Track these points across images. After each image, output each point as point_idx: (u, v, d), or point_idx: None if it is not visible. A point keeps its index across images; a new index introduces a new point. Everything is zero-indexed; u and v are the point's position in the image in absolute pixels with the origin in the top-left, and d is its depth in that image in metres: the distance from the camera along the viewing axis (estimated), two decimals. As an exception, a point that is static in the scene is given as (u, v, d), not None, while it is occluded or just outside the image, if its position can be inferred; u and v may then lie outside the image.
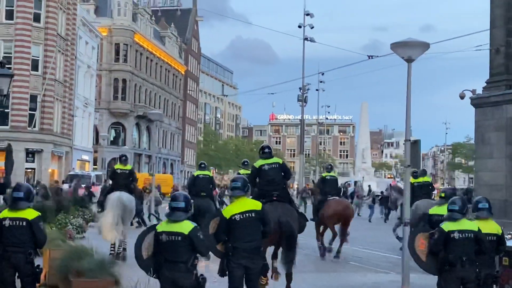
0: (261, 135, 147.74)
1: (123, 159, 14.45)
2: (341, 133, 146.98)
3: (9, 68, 41.25)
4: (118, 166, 14.32)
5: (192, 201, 6.66)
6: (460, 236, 7.00)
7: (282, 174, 10.03)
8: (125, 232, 13.64)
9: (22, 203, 7.13)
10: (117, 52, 62.16)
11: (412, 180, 15.97)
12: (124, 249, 13.43)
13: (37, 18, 41.65)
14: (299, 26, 47.61)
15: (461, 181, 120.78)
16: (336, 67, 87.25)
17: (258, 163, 10.11)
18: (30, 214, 7.12)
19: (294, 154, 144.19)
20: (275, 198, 9.67)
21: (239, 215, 6.93)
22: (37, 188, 33.33)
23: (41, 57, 41.93)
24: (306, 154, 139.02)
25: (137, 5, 68.21)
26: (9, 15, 40.94)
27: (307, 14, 47.43)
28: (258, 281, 7.40)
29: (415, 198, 15.29)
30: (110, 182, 15.10)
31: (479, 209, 7.45)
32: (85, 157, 52.62)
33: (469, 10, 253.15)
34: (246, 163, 16.17)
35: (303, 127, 48.69)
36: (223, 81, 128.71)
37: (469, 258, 6.97)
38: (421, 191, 16.27)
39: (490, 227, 7.33)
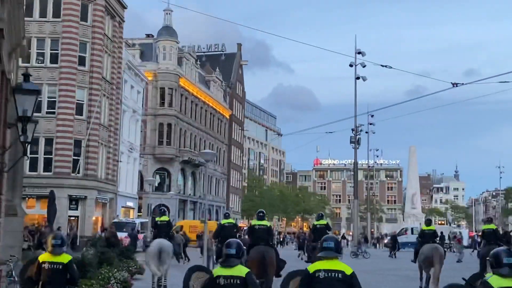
0: (305, 180, 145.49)
1: (161, 211, 18.71)
2: (388, 178, 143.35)
3: (53, 112, 40.51)
4: (158, 218, 17.79)
5: (244, 248, 6.99)
6: None
7: (267, 233, 13.94)
8: (165, 270, 16.26)
9: (60, 249, 8.37)
10: (162, 97, 61.26)
11: (483, 226, 18.68)
12: (165, 286, 16.51)
13: (82, 61, 40.82)
14: (351, 65, 45.97)
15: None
16: (383, 107, 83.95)
17: (253, 222, 14.58)
18: (65, 258, 8.37)
19: (340, 200, 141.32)
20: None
21: (324, 273, 6.33)
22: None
23: (86, 101, 40.91)
24: (350, 200, 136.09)
25: (182, 50, 67.67)
26: (54, 58, 40.18)
27: (359, 53, 45.71)
28: None
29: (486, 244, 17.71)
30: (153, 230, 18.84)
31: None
32: (130, 203, 51.05)
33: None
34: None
35: (357, 171, 46.23)
36: (267, 126, 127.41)
37: None
38: (491, 237, 17.69)
39: None
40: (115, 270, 16.53)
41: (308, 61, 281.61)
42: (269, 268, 12.87)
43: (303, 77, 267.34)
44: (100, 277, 15.00)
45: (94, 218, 41.82)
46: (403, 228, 55.98)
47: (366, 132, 65.26)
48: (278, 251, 14.36)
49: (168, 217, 18.74)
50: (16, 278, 12.96)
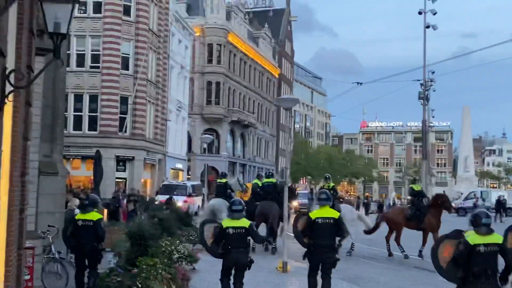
0: (351, 143, 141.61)
1: (222, 174, 22.79)
2: (438, 141, 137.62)
3: (97, 67, 37.53)
4: (218, 179, 21.86)
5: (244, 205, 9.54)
6: (486, 249, 6.98)
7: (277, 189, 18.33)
8: None
9: (89, 208, 9.74)
10: (210, 53, 57.78)
11: None
12: None
13: (127, 11, 37.59)
14: (419, 13, 41.88)
15: None
16: (442, 60, 77.85)
17: (261, 182, 18.89)
18: (95, 216, 9.72)
19: (387, 163, 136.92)
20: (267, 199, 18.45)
21: (321, 219, 9.34)
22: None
23: (132, 54, 37.81)
24: (398, 163, 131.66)
25: (230, 5, 63.84)
26: (97, 8, 37.00)
27: (429, -1, 41.42)
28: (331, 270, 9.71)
29: None
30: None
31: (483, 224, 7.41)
32: (179, 165, 48.23)
33: None
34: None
35: (425, 129, 42.23)
36: (313, 88, 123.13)
37: (492, 270, 7.02)
38: None
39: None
40: (178, 242, 13.29)
41: (352, 23, 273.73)
42: (273, 221, 17.98)
43: (346, 41, 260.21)
44: (162, 250, 11.83)
45: (142, 180, 39.11)
46: (471, 192, 52.06)
47: (427, 90, 60.90)
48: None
49: (227, 179, 21.64)
50: (57, 254, 9.93)
